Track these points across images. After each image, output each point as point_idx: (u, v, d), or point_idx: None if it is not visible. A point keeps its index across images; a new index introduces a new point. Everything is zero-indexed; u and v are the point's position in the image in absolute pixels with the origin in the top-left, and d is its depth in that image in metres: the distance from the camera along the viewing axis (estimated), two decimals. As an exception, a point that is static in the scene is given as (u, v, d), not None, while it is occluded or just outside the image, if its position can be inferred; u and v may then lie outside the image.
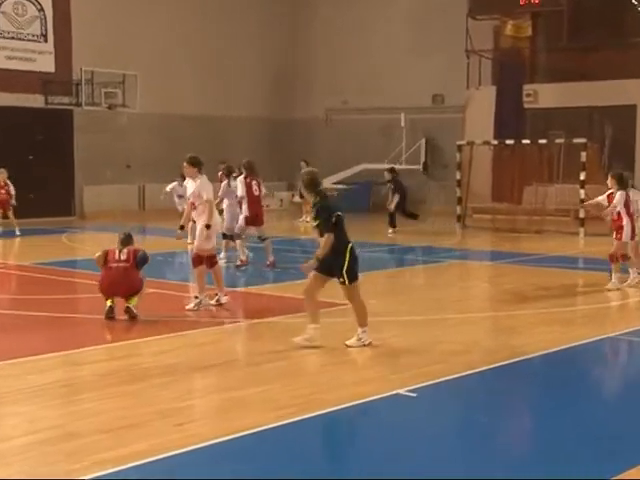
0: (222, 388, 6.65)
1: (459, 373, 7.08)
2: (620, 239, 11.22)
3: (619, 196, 11.18)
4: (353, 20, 28.53)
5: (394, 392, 6.46)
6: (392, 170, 20.31)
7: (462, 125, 25.86)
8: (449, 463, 5.17)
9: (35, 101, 23.29)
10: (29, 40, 23.62)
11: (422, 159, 27.46)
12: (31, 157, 23.22)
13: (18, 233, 18.66)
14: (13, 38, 23.23)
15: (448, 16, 25.95)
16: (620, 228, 11.22)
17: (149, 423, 5.75)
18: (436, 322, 9.41)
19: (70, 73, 23.92)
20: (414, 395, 6.44)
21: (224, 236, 13.75)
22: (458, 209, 21.35)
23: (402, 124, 26.81)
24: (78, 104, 23.80)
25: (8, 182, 19.17)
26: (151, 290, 11.77)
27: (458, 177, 21.52)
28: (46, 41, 23.98)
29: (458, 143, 22.02)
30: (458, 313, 9.95)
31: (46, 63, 23.86)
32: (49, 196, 23.03)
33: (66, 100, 23.75)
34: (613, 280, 11.29)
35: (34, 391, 6.58)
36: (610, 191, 11.48)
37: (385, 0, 28.00)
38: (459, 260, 15.69)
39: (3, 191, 19.09)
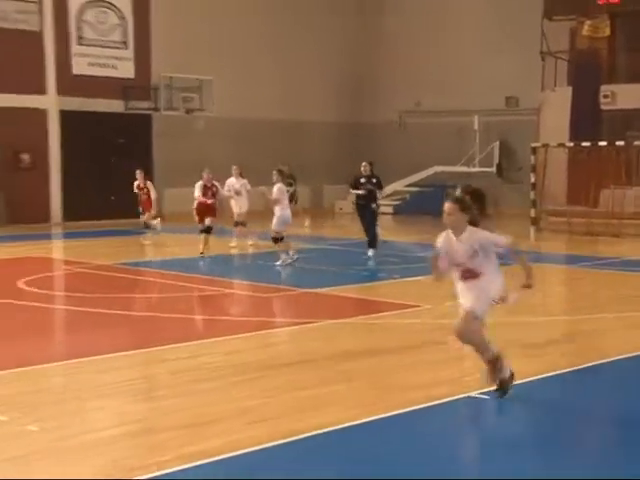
0: (297, 387, 6.73)
1: (534, 376, 6.99)
2: None
3: None
4: (425, 20, 28.41)
5: (466, 395, 6.44)
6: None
7: (537, 127, 25.48)
8: (519, 470, 5.10)
9: (116, 106, 23.94)
10: (110, 47, 24.32)
11: (496, 162, 27.18)
12: (113, 160, 23.87)
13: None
14: (95, 45, 24.01)
15: (523, 17, 25.62)
16: None
17: (226, 420, 5.87)
18: (509, 325, 9.29)
19: (149, 79, 24.53)
20: (487, 397, 6.40)
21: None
22: (532, 212, 21.04)
23: (475, 127, 26.59)
24: (157, 109, 24.39)
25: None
26: (227, 290, 12.03)
27: (533, 180, 21.20)
28: (126, 48, 24.63)
29: (533, 145, 21.69)
30: (532, 316, 9.81)
31: (126, 69, 24.51)
32: (130, 198, 23.53)
33: (145, 105, 24.34)
34: None
35: (116, 387, 6.80)
36: None
37: (458, 0, 27.84)
38: (533, 263, 15.41)
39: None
